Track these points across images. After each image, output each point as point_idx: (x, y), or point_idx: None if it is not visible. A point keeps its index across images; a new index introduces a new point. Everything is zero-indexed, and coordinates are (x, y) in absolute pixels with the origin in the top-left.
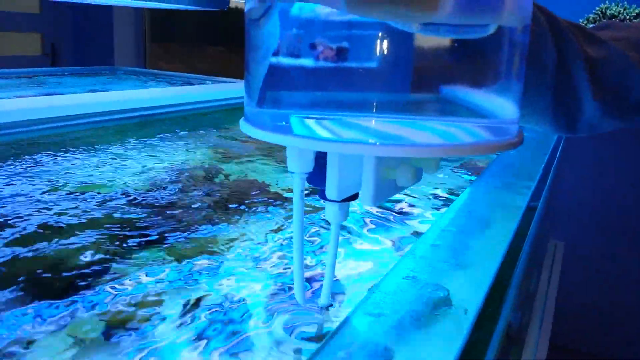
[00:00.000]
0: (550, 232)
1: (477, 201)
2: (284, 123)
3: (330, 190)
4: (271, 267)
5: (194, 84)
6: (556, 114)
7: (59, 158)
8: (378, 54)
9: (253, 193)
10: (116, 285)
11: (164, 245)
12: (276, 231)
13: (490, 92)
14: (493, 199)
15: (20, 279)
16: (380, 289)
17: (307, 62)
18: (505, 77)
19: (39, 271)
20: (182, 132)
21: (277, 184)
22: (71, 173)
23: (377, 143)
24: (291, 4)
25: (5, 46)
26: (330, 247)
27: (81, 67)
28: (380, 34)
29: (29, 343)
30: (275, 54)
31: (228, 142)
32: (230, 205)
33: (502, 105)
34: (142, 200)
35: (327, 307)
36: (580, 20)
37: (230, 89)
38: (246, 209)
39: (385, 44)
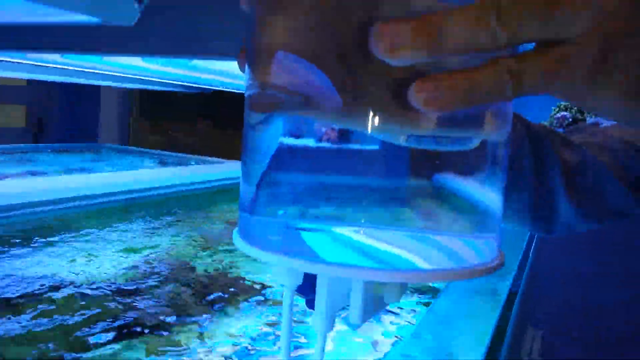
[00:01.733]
0: (528, 320)
1: (458, 292)
2: (272, 237)
3: (319, 310)
4: None
5: (176, 164)
6: (534, 216)
7: (34, 245)
8: (369, 170)
9: (232, 289)
10: None
11: (132, 341)
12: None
13: (474, 205)
14: (474, 287)
15: None
16: None
17: (299, 171)
18: (490, 189)
19: None
20: (164, 217)
21: (256, 277)
22: (42, 263)
23: (368, 267)
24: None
25: None
26: (315, 357)
27: (65, 144)
28: (372, 148)
29: None
30: (271, 161)
31: (209, 227)
32: (208, 299)
33: (487, 221)
34: (112, 292)
35: None
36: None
37: (213, 172)
38: (225, 305)
39: (376, 158)
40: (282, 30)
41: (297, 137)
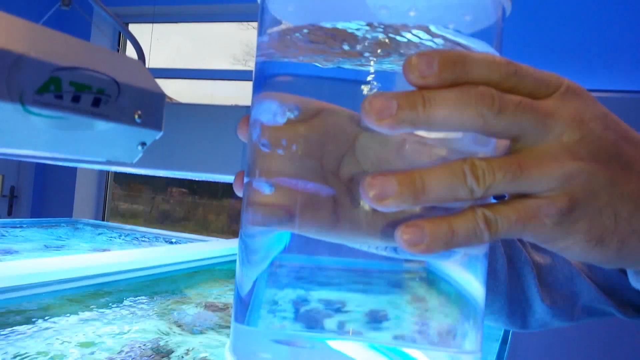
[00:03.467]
0: None
1: None
2: (262, 354)
3: None
4: None
5: (151, 239)
6: (510, 314)
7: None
8: (363, 267)
9: None
10: None
11: None
12: None
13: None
14: None
15: None
16: None
17: (292, 283)
18: (473, 302)
19: None
20: (138, 300)
21: None
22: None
23: None
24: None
25: None
26: None
27: (39, 219)
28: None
29: None
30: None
31: (184, 311)
32: None
33: (471, 336)
34: None
35: None
36: None
37: (189, 250)
38: None
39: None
40: (276, 162)
41: (291, 249)
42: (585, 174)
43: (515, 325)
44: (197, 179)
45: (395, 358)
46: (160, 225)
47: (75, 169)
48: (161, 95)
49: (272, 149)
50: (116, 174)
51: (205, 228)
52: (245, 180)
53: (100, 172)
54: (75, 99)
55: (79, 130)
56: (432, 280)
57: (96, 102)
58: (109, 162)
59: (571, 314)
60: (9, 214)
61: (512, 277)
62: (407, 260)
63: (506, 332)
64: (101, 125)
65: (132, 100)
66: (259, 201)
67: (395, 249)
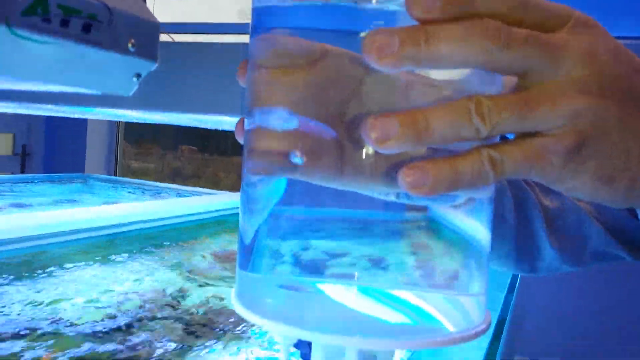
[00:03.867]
0: (515, 348)
1: None
2: (267, 299)
3: None
4: None
5: (163, 193)
6: (518, 259)
7: (17, 283)
8: (366, 213)
9: (220, 320)
10: None
11: None
12: None
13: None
14: None
15: None
16: None
17: (294, 231)
18: (479, 243)
19: None
20: (150, 250)
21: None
22: (24, 300)
23: (361, 336)
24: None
25: None
26: None
27: (51, 174)
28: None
29: None
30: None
31: (196, 260)
32: (195, 334)
33: (476, 279)
34: (103, 329)
35: None
36: None
37: (199, 203)
38: (213, 338)
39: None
40: (277, 99)
41: (293, 197)
42: (596, 110)
43: (523, 270)
44: (201, 126)
45: (398, 306)
46: (171, 183)
47: (85, 125)
48: (155, 25)
49: (272, 94)
50: (126, 131)
51: (215, 185)
52: (246, 126)
53: (110, 127)
54: (64, 23)
55: (70, 57)
56: (436, 228)
57: (87, 28)
58: (105, 94)
59: (580, 258)
60: (22, 172)
61: (520, 221)
62: (410, 208)
63: (513, 281)
64: (93, 54)
65: (125, 28)
66: (260, 148)
67: (400, 195)
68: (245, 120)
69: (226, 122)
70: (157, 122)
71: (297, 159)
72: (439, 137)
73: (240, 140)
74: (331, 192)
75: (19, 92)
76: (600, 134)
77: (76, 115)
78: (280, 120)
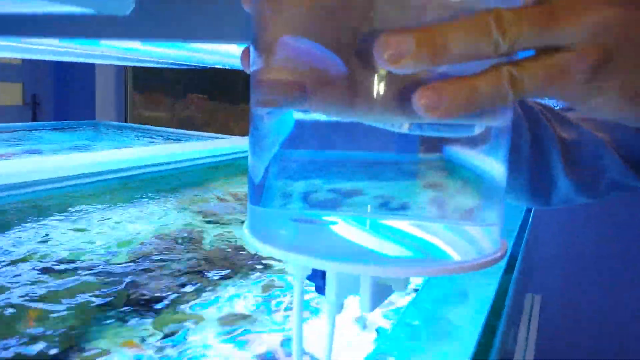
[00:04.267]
0: (527, 286)
1: None
2: (279, 231)
3: (330, 294)
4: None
5: (175, 139)
6: (533, 192)
7: (35, 225)
8: (379, 150)
9: (237, 258)
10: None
11: (147, 319)
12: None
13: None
14: None
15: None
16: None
17: (304, 163)
18: (495, 174)
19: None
20: (164, 193)
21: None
22: (45, 242)
23: (375, 264)
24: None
25: None
26: (326, 339)
27: (63, 122)
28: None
29: None
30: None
31: (209, 201)
32: (213, 272)
33: (492, 208)
34: (119, 269)
35: None
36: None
37: (211, 147)
38: (230, 276)
39: (381, 144)
40: (284, 26)
41: (302, 129)
42: (621, 23)
43: (537, 203)
44: (205, 64)
45: (411, 239)
46: None
47: (93, 72)
48: None
49: (278, 20)
50: (134, 81)
51: (226, 133)
52: (252, 55)
53: (118, 74)
54: None
55: None
56: (450, 163)
57: None
58: (100, 13)
59: (596, 189)
60: (33, 121)
61: (536, 153)
62: (424, 143)
63: (525, 220)
64: None
65: None
66: (266, 78)
67: (414, 127)
68: (251, 48)
69: (232, 54)
70: (161, 65)
71: (305, 89)
72: (457, 53)
73: (247, 70)
74: (343, 128)
75: (22, 22)
76: (626, 48)
77: (80, 57)
78: (287, 47)
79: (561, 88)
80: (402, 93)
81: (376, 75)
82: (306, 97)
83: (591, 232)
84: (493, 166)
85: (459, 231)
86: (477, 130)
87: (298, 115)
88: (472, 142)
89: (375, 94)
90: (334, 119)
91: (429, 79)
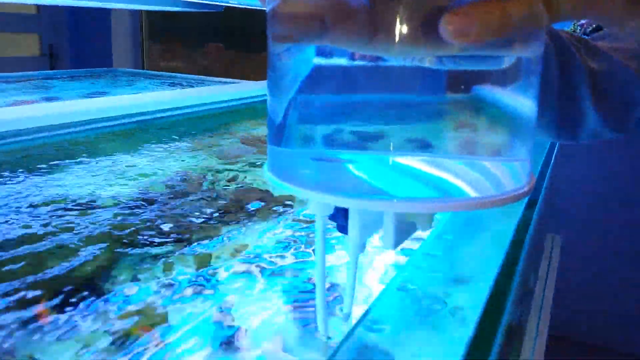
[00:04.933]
0: (547, 226)
1: None
2: (300, 169)
3: (352, 233)
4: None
5: (192, 86)
6: (560, 126)
7: (55, 167)
8: (403, 89)
9: (256, 201)
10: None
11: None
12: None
13: (505, 126)
14: None
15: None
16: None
17: (325, 99)
18: (525, 107)
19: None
20: (183, 137)
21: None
22: (66, 185)
23: (399, 199)
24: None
25: (2, 47)
26: (348, 278)
27: (80, 70)
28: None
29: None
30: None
31: (227, 145)
32: (231, 214)
33: (522, 142)
34: (139, 210)
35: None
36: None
37: (229, 91)
38: (248, 217)
39: (406, 77)
40: None
41: (322, 67)
42: None
43: (564, 137)
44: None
45: (435, 176)
46: None
47: (109, 20)
48: None
49: None
50: (150, 30)
51: (245, 77)
52: None
53: (133, 22)
54: None
55: None
56: (478, 103)
57: None
58: None
59: (625, 123)
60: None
61: (565, 84)
62: (449, 80)
63: (547, 159)
64: None
65: None
66: (284, 11)
67: (441, 60)
68: None
69: None
70: (175, 8)
71: (325, 21)
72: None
73: (263, 4)
74: (365, 66)
75: None
76: None
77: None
78: None
79: (599, 8)
80: (428, 21)
81: (399, 3)
82: (325, 30)
83: (616, 173)
84: (523, 101)
85: (486, 167)
86: (507, 63)
87: (317, 52)
88: (501, 76)
89: (398, 24)
90: (355, 56)
91: (457, 4)
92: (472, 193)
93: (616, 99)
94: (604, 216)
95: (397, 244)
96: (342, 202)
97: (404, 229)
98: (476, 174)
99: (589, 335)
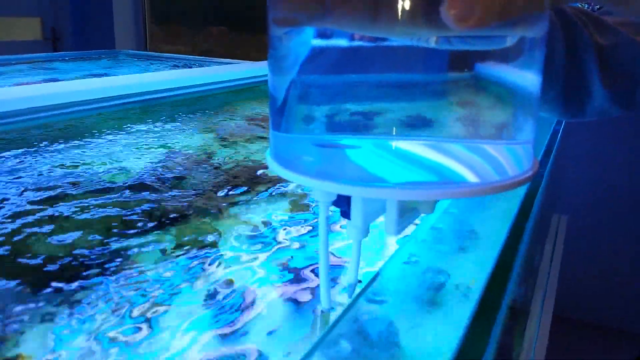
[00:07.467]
0: (553, 206)
1: None
2: (302, 156)
3: (355, 219)
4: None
5: (195, 67)
6: (566, 102)
7: (58, 146)
8: (405, 69)
9: (257, 178)
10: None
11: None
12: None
13: (509, 108)
14: None
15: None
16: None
17: (325, 83)
18: (528, 89)
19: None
20: (186, 116)
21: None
22: (65, 164)
23: (401, 187)
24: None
25: (4, 31)
26: (351, 263)
27: (82, 52)
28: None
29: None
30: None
31: (230, 124)
32: (234, 192)
33: (525, 125)
34: (138, 188)
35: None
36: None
37: (231, 71)
38: (251, 195)
39: (413, 57)
40: None
41: (322, 49)
42: None
43: (571, 114)
44: None
45: (438, 161)
46: None
47: (111, 1)
48: None
49: None
50: (152, 13)
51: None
52: None
53: (135, 4)
54: None
55: None
56: (481, 83)
57: None
58: None
59: (632, 99)
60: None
61: (571, 60)
62: (451, 61)
63: (552, 139)
64: None
65: None
66: None
67: (443, 40)
68: None
69: None
70: None
71: (325, 2)
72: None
73: None
74: (366, 47)
75: None
76: None
77: None
78: None
79: None
80: (430, 1)
81: None
82: (326, 12)
83: (623, 152)
84: (526, 81)
85: (489, 150)
86: (509, 42)
87: (317, 33)
88: (504, 55)
89: (400, 5)
90: (356, 37)
91: None
92: (475, 179)
93: (623, 74)
94: (610, 195)
95: (400, 230)
96: (345, 190)
97: (406, 215)
98: (479, 158)
99: (593, 316)
